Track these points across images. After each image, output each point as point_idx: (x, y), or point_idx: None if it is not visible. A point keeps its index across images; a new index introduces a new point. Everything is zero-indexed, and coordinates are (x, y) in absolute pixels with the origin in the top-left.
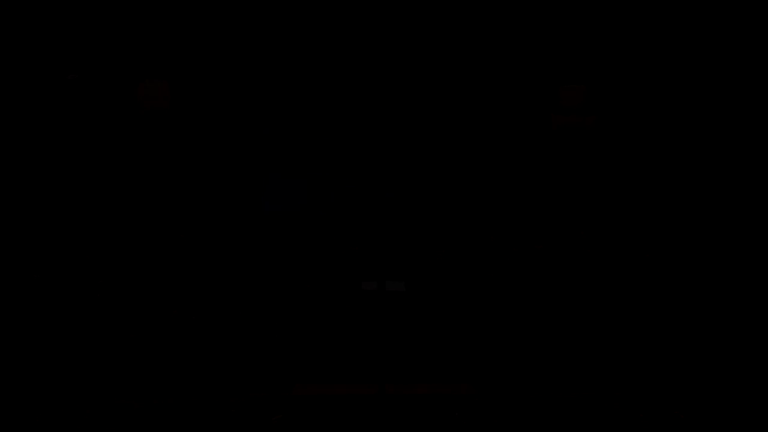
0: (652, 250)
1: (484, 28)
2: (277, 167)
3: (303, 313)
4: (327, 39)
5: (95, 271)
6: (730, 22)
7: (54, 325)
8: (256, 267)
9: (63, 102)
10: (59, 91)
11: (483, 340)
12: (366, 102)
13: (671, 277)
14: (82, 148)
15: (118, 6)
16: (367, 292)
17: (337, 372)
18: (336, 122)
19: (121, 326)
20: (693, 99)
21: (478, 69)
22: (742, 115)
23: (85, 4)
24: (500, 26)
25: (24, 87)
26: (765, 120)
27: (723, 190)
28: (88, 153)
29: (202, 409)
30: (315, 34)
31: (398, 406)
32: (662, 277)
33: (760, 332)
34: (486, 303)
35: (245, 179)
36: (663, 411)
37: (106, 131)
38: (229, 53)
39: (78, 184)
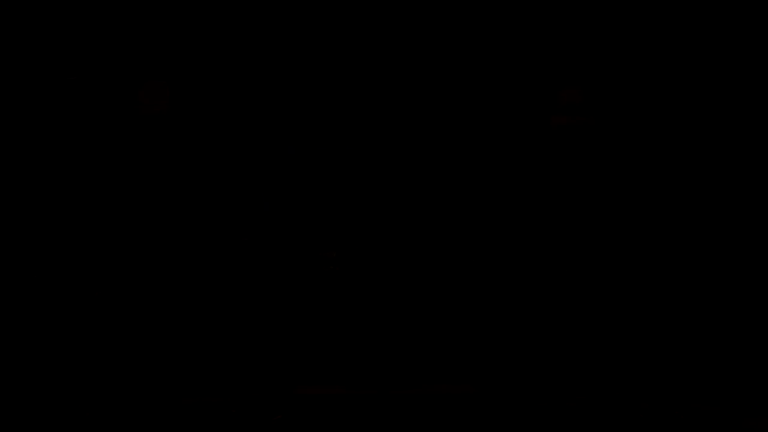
0: (652, 250)
1: (484, 28)
2: (277, 169)
3: (303, 313)
4: (326, 39)
5: (94, 272)
6: (730, 21)
7: (53, 325)
8: (256, 268)
9: (63, 103)
10: (59, 91)
11: (483, 340)
12: (365, 102)
13: (671, 277)
14: (81, 150)
15: (118, 6)
16: (367, 291)
17: (338, 372)
18: (334, 122)
19: (120, 327)
20: (693, 99)
21: (478, 69)
22: (742, 115)
23: (85, 4)
24: (501, 26)
25: (24, 87)
26: (765, 120)
27: (723, 190)
28: (87, 154)
29: (202, 409)
30: (315, 34)
31: (398, 406)
32: (662, 277)
33: (760, 333)
34: (486, 303)
35: (245, 181)
36: (663, 411)
37: (105, 133)
38: (229, 54)
39: (78, 185)
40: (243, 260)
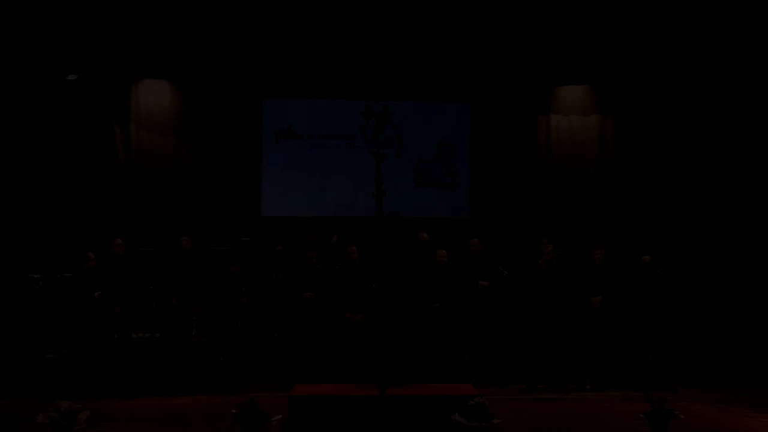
0: (652, 249)
1: (485, 28)
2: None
3: (304, 314)
4: (326, 42)
5: (94, 270)
6: (731, 21)
7: (53, 324)
8: (255, 269)
9: (63, 102)
10: (59, 91)
11: (483, 340)
12: (365, 100)
13: (671, 278)
14: (82, 148)
15: (117, 6)
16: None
17: (338, 372)
18: (333, 123)
19: (121, 327)
20: (694, 98)
21: (478, 69)
22: (743, 114)
23: (85, 4)
24: (501, 27)
25: (24, 87)
26: (766, 117)
27: (725, 189)
28: (87, 152)
29: (202, 409)
30: (314, 34)
31: (398, 406)
32: (662, 277)
33: (761, 333)
34: (486, 304)
35: (245, 181)
36: (663, 410)
37: (106, 131)
38: (230, 53)
39: (78, 182)
40: (242, 260)
